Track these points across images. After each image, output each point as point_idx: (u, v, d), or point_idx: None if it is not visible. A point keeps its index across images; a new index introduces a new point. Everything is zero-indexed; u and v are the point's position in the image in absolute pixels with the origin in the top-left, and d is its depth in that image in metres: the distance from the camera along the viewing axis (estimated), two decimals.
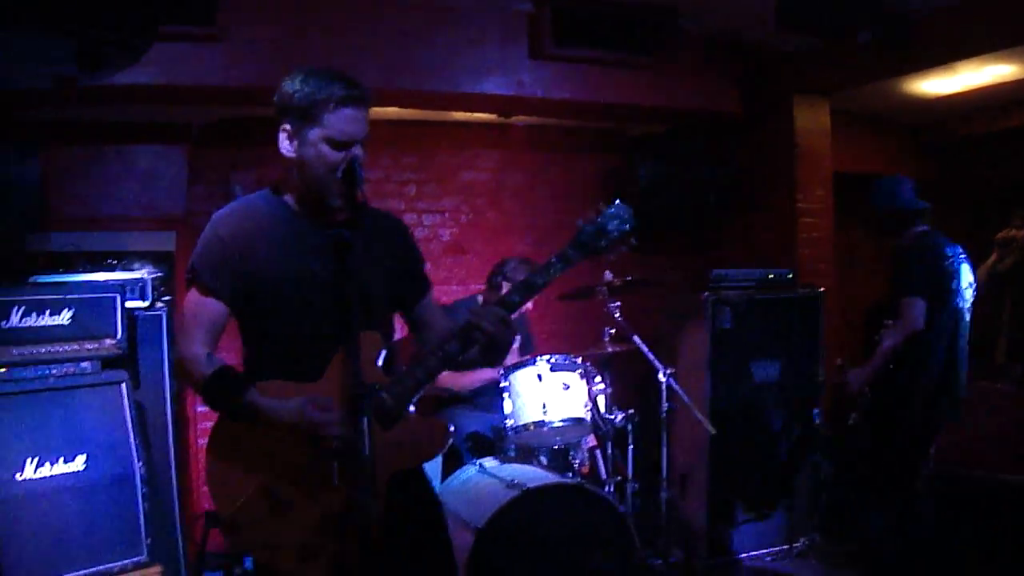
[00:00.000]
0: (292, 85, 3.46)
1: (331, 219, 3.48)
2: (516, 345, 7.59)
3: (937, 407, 6.19)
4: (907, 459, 6.32)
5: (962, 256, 6.30)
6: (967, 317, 6.26)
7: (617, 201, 3.62)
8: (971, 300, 6.32)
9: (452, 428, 6.87)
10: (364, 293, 3.32)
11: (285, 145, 3.50)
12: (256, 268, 3.49)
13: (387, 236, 3.81)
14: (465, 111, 8.62)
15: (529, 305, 7.44)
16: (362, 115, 3.46)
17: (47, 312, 5.65)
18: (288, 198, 3.63)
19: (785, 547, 7.80)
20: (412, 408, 3.58)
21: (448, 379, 7.32)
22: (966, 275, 6.26)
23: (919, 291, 6.08)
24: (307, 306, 3.50)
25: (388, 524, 3.30)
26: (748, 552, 7.72)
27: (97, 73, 5.26)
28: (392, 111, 8.28)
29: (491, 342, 3.48)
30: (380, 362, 3.53)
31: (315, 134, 3.42)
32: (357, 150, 3.43)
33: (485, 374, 7.15)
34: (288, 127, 3.48)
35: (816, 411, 7.71)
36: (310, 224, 3.57)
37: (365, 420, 3.05)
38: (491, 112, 8.59)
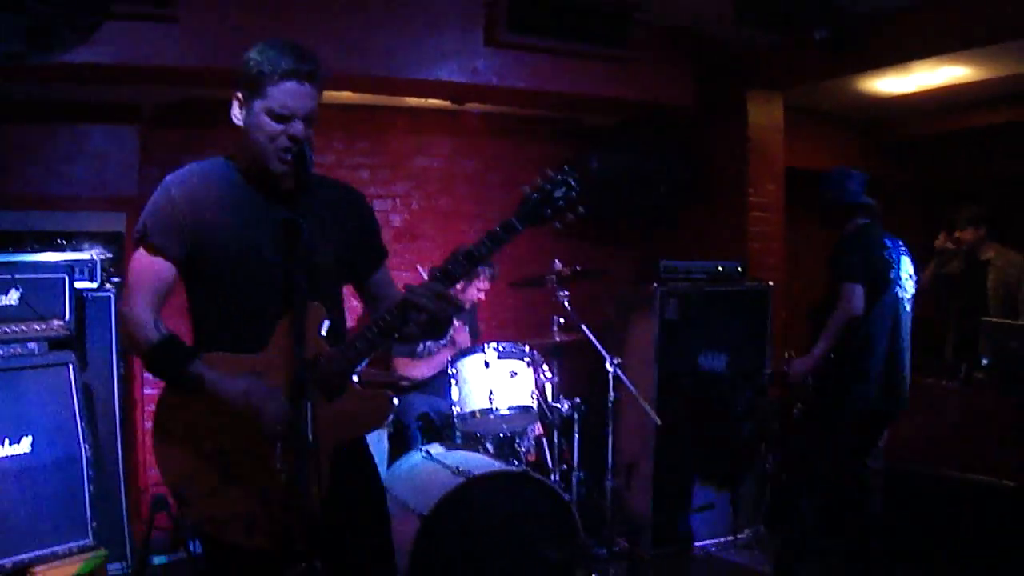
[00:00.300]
0: (250, 53, 3.43)
1: (279, 188, 3.50)
2: (465, 332, 7.62)
3: (882, 396, 6.22)
4: (851, 449, 6.35)
5: (902, 248, 6.35)
6: (908, 308, 6.29)
7: (565, 167, 3.53)
8: (912, 291, 6.36)
9: (396, 401, 6.90)
10: (311, 266, 3.30)
11: (235, 112, 3.48)
12: (206, 233, 3.45)
13: (340, 207, 3.77)
14: (419, 97, 8.60)
15: (482, 295, 7.48)
16: (306, 90, 3.41)
17: None
18: (239, 167, 3.60)
19: (730, 538, 7.89)
20: (355, 379, 3.56)
21: (405, 368, 7.35)
22: (906, 266, 6.30)
23: (857, 277, 6.12)
24: (254, 277, 3.47)
25: (330, 496, 3.29)
26: (694, 542, 7.77)
27: (47, 51, 5.21)
28: (346, 95, 8.26)
29: (431, 317, 3.43)
30: (323, 332, 3.51)
31: (259, 104, 3.38)
32: (297, 125, 3.38)
33: (441, 361, 7.17)
34: (240, 95, 3.46)
35: (752, 398, 7.76)
36: (260, 195, 3.54)
37: (309, 404, 3.05)
38: (445, 98, 8.55)
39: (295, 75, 3.38)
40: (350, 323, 4.03)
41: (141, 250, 3.49)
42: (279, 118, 3.37)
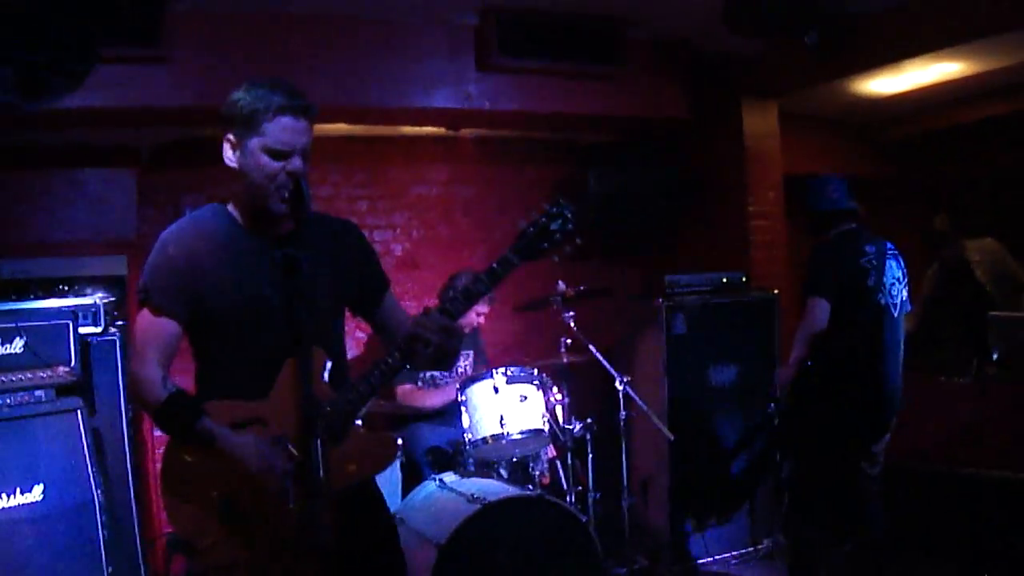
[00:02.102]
0: (237, 94, 3.46)
1: (277, 231, 3.53)
2: (469, 360, 7.61)
3: (866, 405, 6.18)
4: (841, 458, 6.29)
5: (891, 252, 6.28)
6: (896, 312, 6.23)
7: (560, 200, 3.57)
8: (902, 296, 6.30)
9: (400, 441, 6.90)
10: (312, 305, 3.31)
11: (228, 155, 3.50)
12: (206, 286, 3.48)
13: (337, 241, 3.79)
14: (414, 125, 8.58)
15: (481, 319, 7.47)
16: (301, 125, 3.44)
17: None
18: (235, 211, 3.62)
19: (750, 549, 7.85)
20: (359, 422, 3.57)
21: (412, 398, 7.32)
22: (893, 271, 6.24)
23: (822, 292, 6.09)
24: (256, 324, 3.49)
25: (340, 540, 3.28)
26: (713, 556, 7.73)
27: (39, 99, 5.20)
28: (341, 127, 8.26)
29: (436, 351, 3.45)
30: (326, 375, 3.54)
31: (254, 143, 3.41)
32: (296, 161, 3.41)
33: (449, 393, 7.15)
34: (231, 137, 3.48)
35: (772, 408, 7.71)
36: (257, 238, 3.57)
37: (319, 442, 3.03)
38: (440, 126, 8.56)
39: (290, 110, 3.40)
40: (357, 351, 4.05)
41: (145, 311, 3.52)
42: (277, 155, 3.39)
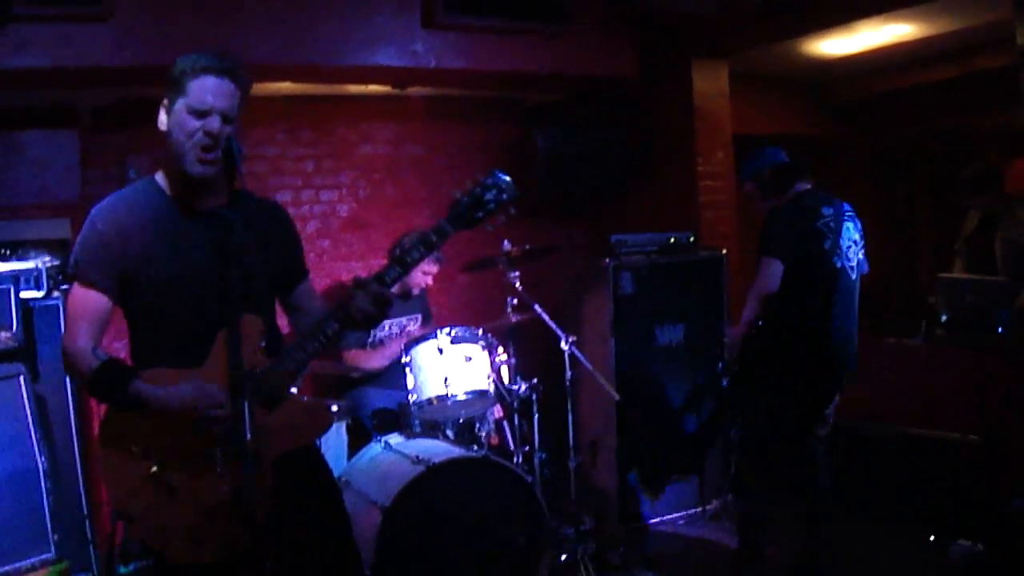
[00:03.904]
0: (176, 60, 3.53)
1: (207, 203, 3.58)
2: (417, 323, 7.60)
3: (819, 367, 6.17)
4: (793, 418, 6.28)
5: (848, 214, 6.25)
6: (853, 275, 6.20)
7: (496, 171, 3.66)
8: (859, 258, 6.28)
9: (347, 404, 6.88)
10: (246, 276, 3.33)
11: (161, 118, 3.57)
12: (136, 260, 3.53)
13: (267, 221, 3.85)
14: (359, 83, 8.52)
15: (429, 280, 7.45)
16: (223, 84, 3.51)
17: None
18: (164, 183, 3.67)
19: (698, 510, 7.89)
20: (295, 390, 3.58)
21: (359, 359, 7.30)
22: (850, 233, 6.20)
23: (776, 252, 6.05)
24: (188, 294, 3.54)
25: (280, 505, 3.33)
26: (661, 516, 7.79)
27: None
28: (286, 87, 8.16)
29: (367, 320, 3.53)
30: (262, 344, 3.56)
31: (180, 103, 3.49)
32: (214, 121, 3.45)
33: (394, 349, 7.13)
34: (165, 101, 3.54)
35: (721, 367, 7.71)
36: (187, 210, 3.61)
37: (246, 404, 3.08)
38: (386, 84, 8.49)
39: (212, 70, 3.49)
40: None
41: (76, 284, 3.57)
42: (197, 113, 3.46)
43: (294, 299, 4.01)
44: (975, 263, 8.49)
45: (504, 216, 3.67)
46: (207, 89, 3.46)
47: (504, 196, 3.63)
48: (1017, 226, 8.17)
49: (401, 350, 6.73)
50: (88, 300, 3.53)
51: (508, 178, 3.66)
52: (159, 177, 3.68)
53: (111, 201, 3.63)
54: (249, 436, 3.04)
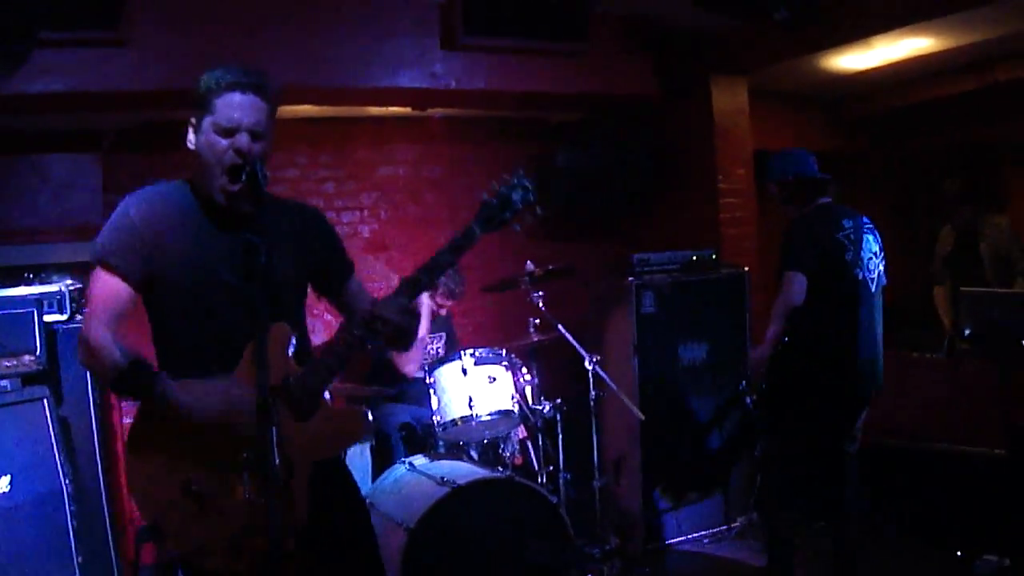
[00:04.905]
0: (200, 78, 3.46)
1: (235, 213, 3.49)
2: (442, 343, 7.60)
3: (844, 383, 6.13)
4: (821, 435, 6.24)
5: (867, 227, 6.21)
6: (873, 287, 6.17)
7: (519, 172, 3.68)
8: (879, 270, 6.24)
9: (372, 419, 6.89)
10: (273, 288, 3.27)
11: (190, 137, 3.51)
12: (164, 257, 3.46)
13: (299, 224, 3.79)
14: (380, 105, 8.55)
15: (443, 312, 7.46)
16: (250, 101, 3.44)
17: None
18: (196, 193, 3.60)
19: (723, 528, 7.83)
20: (328, 396, 3.56)
21: (396, 361, 7.31)
22: (870, 245, 6.17)
23: (799, 265, 6.00)
24: (215, 303, 3.48)
25: (312, 516, 3.33)
26: (686, 535, 7.72)
27: None
28: (307, 108, 8.20)
29: (395, 331, 3.50)
30: (291, 352, 3.52)
31: (207, 122, 3.43)
32: (243, 138, 3.39)
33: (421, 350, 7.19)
34: (192, 120, 3.49)
35: (744, 384, 7.68)
36: (215, 221, 3.55)
37: (274, 431, 3.03)
38: (406, 105, 8.51)
39: (238, 86, 3.42)
40: (327, 334, 4.05)
41: (99, 270, 3.47)
42: (225, 132, 3.40)
43: (346, 299, 3.96)
44: (959, 280, 8.53)
45: (531, 216, 3.67)
46: (234, 106, 3.40)
47: (530, 195, 3.65)
48: (999, 233, 8.32)
49: (429, 352, 6.75)
50: (110, 287, 3.44)
51: (530, 179, 3.69)
52: (191, 184, 3.62)
53: (146, 193, 3.56)
54: (276, 464, 3.01)
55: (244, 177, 3.34)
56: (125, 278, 3.43)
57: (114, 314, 3.43)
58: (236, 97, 3.41)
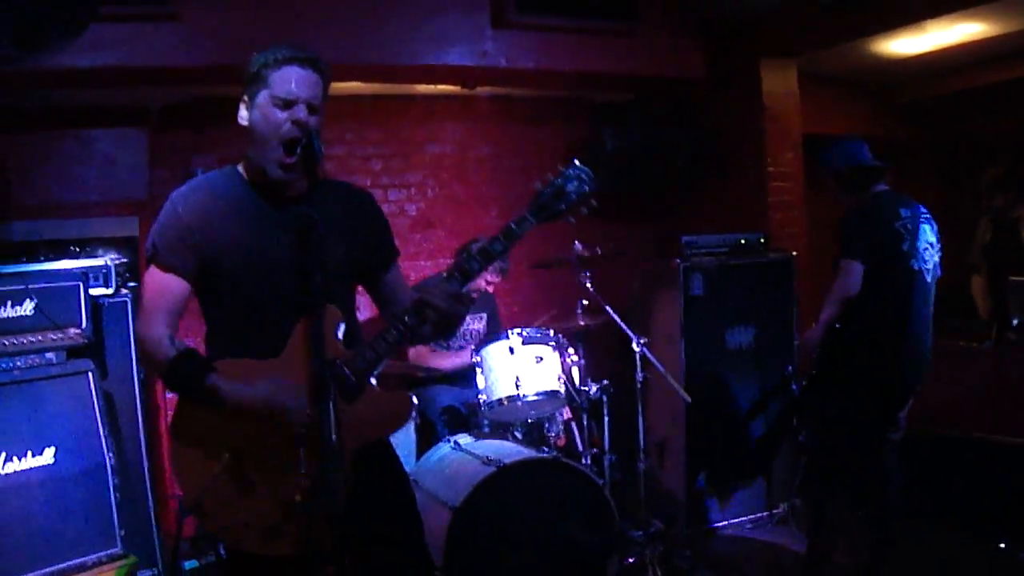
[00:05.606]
0: (252, 56, 3.48)
1: (289, 192, 3.52)
2: (483, 323, 7.58)
3: (895, 370, 6.09)
4: (867, 423, 6.20)
5: (924, 216, 6.15)
6: (928, 278, 6.11)
7: (576, 162, 3.59)
8: (935, 260, 6.19)
9: (416, 401, 6.87)
10: (325, 266, 3.29)
11: (242, 114, 3.52)
12: (216, 246, 3.46)
13: (349, 207, 3.77)
14: (428, 83, 8.54)
15: (490, 288, 7.43)
16: (307, 75, 3.46)
17: (9, 303, 5.54)
18: (246, 174, 3.62)
19: (765, 514, 7.82)
20: (374, 381, 3.55)
21: (426, 359, 7.30)
22: (926, 235, 6.12)
23: (856, 254, 5.97)
24: (267, 284, 3.48)
25: (355, 499, 3.25)
26: (728, 520, 7.72)
27: (35, 51, 5.11)
28: (355, 86, 8.19)
29: (442, 317, 3.46)
30: (340, 335, 3.52)
31: (263, 96, 3.43)
32: (301, 110, 3.41)
33: (463, 358, 7.16)
34: (245, 96, 3.50)
35: (790, 369, 7.65)
36: (268, 200, 3.56)
37: (331, 405, 3.02)
38: (454, 83, 8.51)
39: (296, 60, 3.44)
40: (369, 312, 4.02)
41: (153, 268, 3.51)
42: (283, 104, 3.41)
43: (384, 287, 3.94)
44: (998, 270, 8.46)
45: (586, 208, 3.59)
46: (291, 79, 3.42)
47: (586, 187, 3.56)
48: None
49: (472, 352, 6.72)
50: (166, 284, 3.47)
51: (588, 169, 3.59)
52: (240, 168, 3.64)
53: (193, 186, 3.59)
54: (334, 437, 2.99)
55: (300, 150, 3.34)
56: (177, 271, 3.47)
57: (169, 311, 3.47)
58: (294, 70, 3.42)
